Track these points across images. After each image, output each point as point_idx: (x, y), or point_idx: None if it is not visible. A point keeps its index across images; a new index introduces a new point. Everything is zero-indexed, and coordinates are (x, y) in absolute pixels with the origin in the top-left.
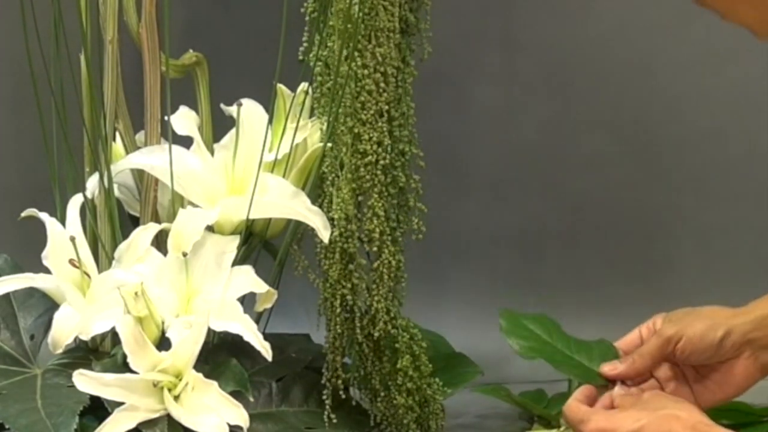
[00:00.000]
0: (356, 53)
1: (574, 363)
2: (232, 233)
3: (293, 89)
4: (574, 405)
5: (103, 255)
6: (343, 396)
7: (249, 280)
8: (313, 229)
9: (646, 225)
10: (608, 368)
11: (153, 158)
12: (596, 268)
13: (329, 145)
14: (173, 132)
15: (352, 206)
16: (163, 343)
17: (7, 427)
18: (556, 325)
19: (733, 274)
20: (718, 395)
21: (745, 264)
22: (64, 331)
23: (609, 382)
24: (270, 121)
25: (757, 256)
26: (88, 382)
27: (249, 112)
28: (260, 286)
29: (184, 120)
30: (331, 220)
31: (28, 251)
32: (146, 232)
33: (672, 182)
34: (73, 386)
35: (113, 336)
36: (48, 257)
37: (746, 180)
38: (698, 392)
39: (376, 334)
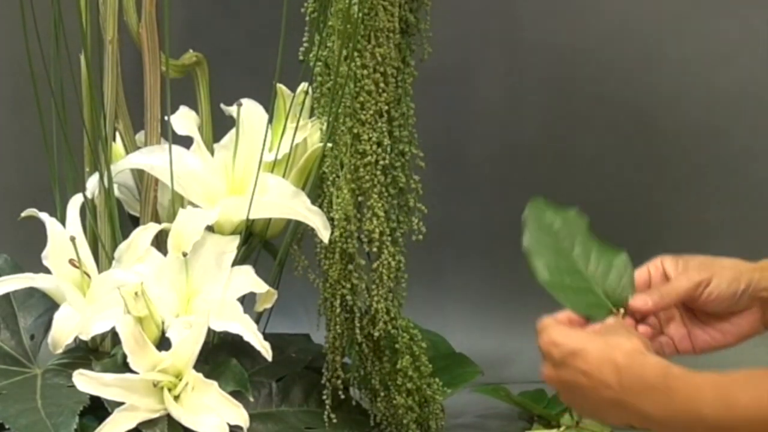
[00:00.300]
0: (356, 53)
1: (582, 290)
2: (232, 233)
3: (293, 89)
4: (545, 318)
5: (103, 255)
6: (343, 396)
7: (249, 280)
8: (313, 229)
9: (647, 224)
10: (641, 303)
11: (153, 158)
12: None
13: (329, 145)
14: (173, 132)
15: (352, 206)
16: (163, 343)
17: (7, 427)
18: (583, 226)
19: None
20: (717, 342)
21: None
22: (64, 331)
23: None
24: (270, 121)
25: (758, 255)
26: (88, 382)
27: (249, 112)
28: (260, 286)
29: (184, 120)
30: (331, 220)
31: (28, 251)
32: (146, 232)
33: (673, 181)
34: (73, 386)
35: (113, 336)
36: (48, 257)
37: (747, 179)
38: (696, 336)
39: (376, 334)
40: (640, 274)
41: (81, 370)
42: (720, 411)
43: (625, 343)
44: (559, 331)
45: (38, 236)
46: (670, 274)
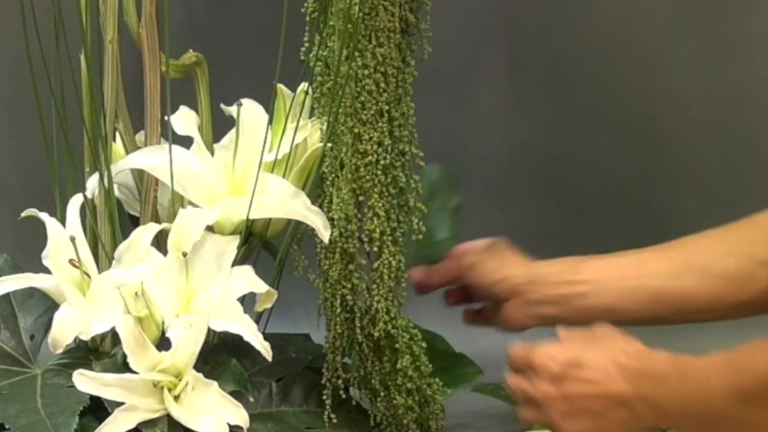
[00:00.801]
0: (356, 53)
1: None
2: (232, 233)
3: (293, 89)
4: (516, 344)
5: (103, 255)
6: (343, 396)
7: (249, 280)
8: (313, 229)
9: (647, 225)
10: (418, 275)
11: (153, 158)
12: None
13: (329, 145)
14: (173, 132)
15: (352, 206)
16: (163, 343)
17: (7, 427)
18: None
19: None
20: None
21: None
22: (64, 331)
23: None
24: (270, 121)
25: None
26: (88, 382)
27: (249, 112)
28: (260, 286)
29: (184, 120)
30: (331, 220)
31: (28, 251)
32: (146, 232)
33: (673, 182)
34: (73, 386)
35: (113, 336)
36: (48, 257)
37: (748, 180)
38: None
39: (376, 334)
40: (465, 246)
41: (81, 370)
42: (735, 380)
43: (626, 346)
44: (549, 345)
45: (38, 236)
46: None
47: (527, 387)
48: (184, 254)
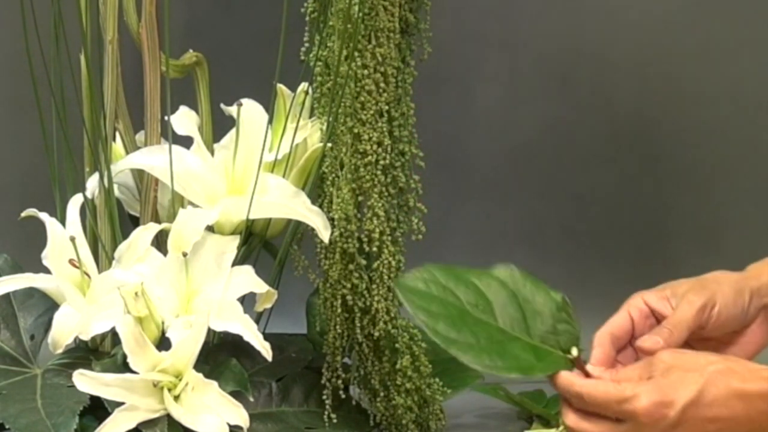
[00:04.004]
0: (356, 53)
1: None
2: (232, 233)
3: (293, 89)
4: (607, 385)
5: (103, 255)
6: (343, 396)
7: (249, 280)
8: (313, 229)
9: (647, 224)
10: (651, 344)
11: (153, 158)
12: (597, 268)
13: (329, 145)
14: (173, 132)
15: (352, 206)
16: (163, 343)
17: (7, 427)
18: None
19: None
20: None
21: (746, 263)
22: (64, 331)
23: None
24: (270, 121)
25: (759, 255)
26: (88, 382)
27: (249, 112)
28: (260, 286)
29: (184, 120)
30: (331, 220)
31: (28, 251)
32: (146, 232)
33: (672, 181)
34: (73, 386)
35: (113, 336)
36: (48, 257)
37: (747, 179)
38: None
39: (376, 334)
40: (619, 321)
41: (81, 370)
42: None
43: (733, 366)
44: (657, 389)
45: (38, 236)
46: (661, 309)
47: None
48: (184, 254)
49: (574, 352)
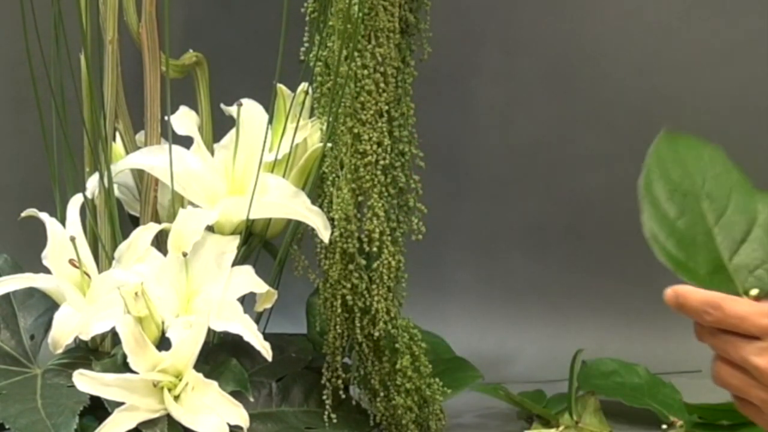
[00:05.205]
0: (356, 53)
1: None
2: (232, 233)
3: (293, 89)
4: (749, 301)
5: (103, 255)
6: (343, 396)
7: (249, 280)
8: (313, 229)
9: None
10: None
11: (153, 158)
12: (597, 269)
13: (329, 145)
14: (173, 132)
15: (352, 206)
16: (163, 343)
17: (7, 427)
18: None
19: None
20: None
21: None
22: (64, 331)
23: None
24: (270, 121)
25: None
26: (88, 382)
27: (249, 112)
28: (260, 286)
29: (184, 120)
30: (331, 220)
31: (28, 251)
32: (146, 232)
33: None
34: (73, 386)
35: (113, 336)
36: (48, 257)
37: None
38: None
39: (376, 334)
40: None
41: (81, 370)
42: None
43: None
44: (743, 302)
45: (38, 236)
46: None
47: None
48: (184, 254)
49: (754, 292)
